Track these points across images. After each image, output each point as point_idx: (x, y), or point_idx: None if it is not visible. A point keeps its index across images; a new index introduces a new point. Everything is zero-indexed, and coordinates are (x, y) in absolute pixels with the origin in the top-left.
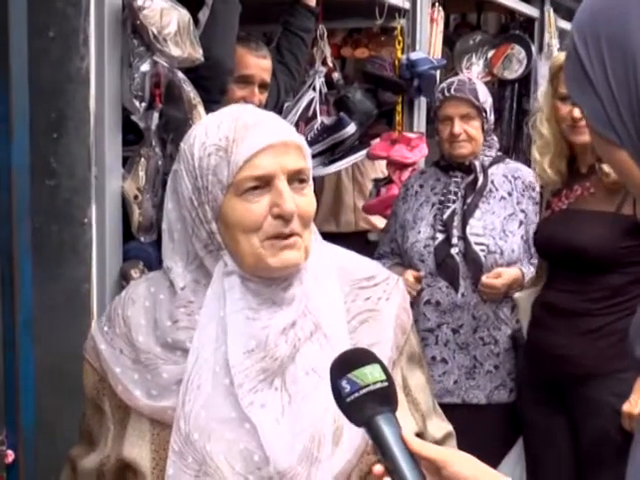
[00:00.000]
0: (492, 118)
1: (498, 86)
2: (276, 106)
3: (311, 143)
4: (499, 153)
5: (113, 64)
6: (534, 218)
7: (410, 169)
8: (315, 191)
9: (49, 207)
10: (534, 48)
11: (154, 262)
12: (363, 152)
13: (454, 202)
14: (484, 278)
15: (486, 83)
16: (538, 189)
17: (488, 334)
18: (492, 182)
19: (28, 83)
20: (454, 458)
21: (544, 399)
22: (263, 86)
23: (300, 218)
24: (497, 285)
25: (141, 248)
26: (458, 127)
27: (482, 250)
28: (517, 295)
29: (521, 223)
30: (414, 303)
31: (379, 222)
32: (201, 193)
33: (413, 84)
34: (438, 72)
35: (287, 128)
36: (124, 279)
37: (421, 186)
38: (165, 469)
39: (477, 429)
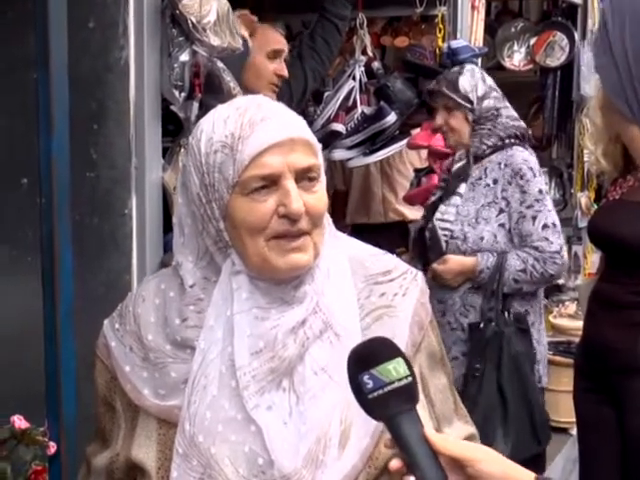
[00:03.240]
0: (487, 106)
1: (540, 74)
2: (304, 92)
3: (351, 133)
4: (512, 140)
5: (152, 54)
6: (518, 206)
7: (451, 159)
8: (345, 183)
9: (89, 199)
10: (577, 35)
11: None
12: (403, 142)
13: (440, 189)
14: (434, 264)
15: (528, 71)
16: (529, 176)
17: (455, 320)
18: (485, 170)
19: (68, 74)
20: (479, 455)
21: (595, 389)
22: (286, 61)
23: (309, 216)
24: (438, 270)
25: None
26: (439, 119)
27: (444, 235)
28: (578, 283)
29: (501, 211)
30: None
31: (410, 213)
32: (208, 190)
33: None
34: (479, 60)
35: (295, 123)
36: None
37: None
38: (170, 470)
39: None
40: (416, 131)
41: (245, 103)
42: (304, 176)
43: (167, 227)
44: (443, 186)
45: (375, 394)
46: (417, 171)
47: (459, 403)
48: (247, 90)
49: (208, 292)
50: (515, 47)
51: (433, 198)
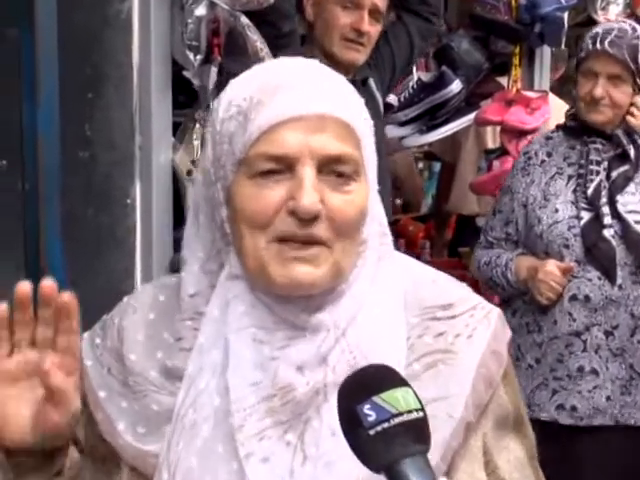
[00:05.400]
0: None
1: None
2: (411, 56)
3: (405, 105)
4: None
5: (161, 6)
6: None
7: (529, 137)
8: (448, 165)
9: (84, 185)
10: None
11: None
12: (471, 116)
13: (597, 174)
14: None
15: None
16: None
17: None
18: None
19: (57, 31)
20: None
21: None
22: (375, 14)
23: (331, 222)
24: None
25: None
26: (601, 89)
27: None
28: None
29: None
30: (557, 301)
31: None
32: (217, 166)
33: (534, 30)
34: (566, 14)
35: (335, 98)
36: (175, 274)
37: (549, 154)
38: None
39: (636, 457)
40: (487, 103)
41: (281, 63)
42: (332, 168)
43: (178, 220)
44: (596, 170)
45: (379, 428)
46: (487, 152)
47: None
48: (316, 44)
49: None
50: None
51: (591, 187)
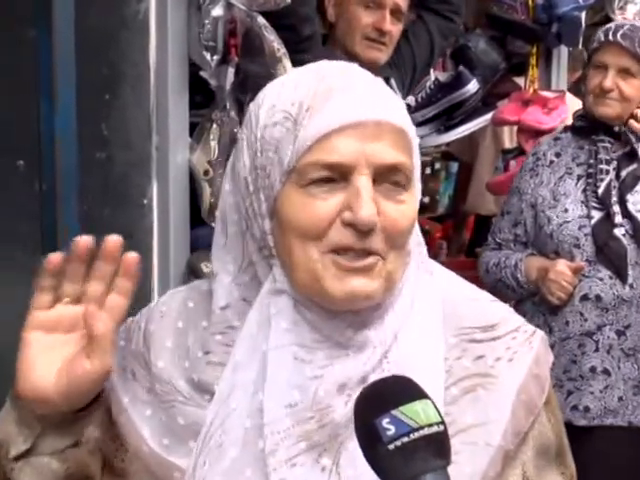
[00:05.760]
0: None
1: None
2: (431, 56)
3: (422, 105)
4: None
5: (178, 7)
6: None
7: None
8: (466, 165)
9: (101, 185)
10: None
11: None
12: (488, 116)
13: (607, 173)
14: None
15: None
16: None
17: None
18: None
19: (74, 32)
20: None
21: None
22: (397, 13)
23: (386, 234)
24: None
25: (213, 236)
26: (610, 81)
27: None
28: None
29: None
30: (568, 301)
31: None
32: (258, 175)
33: (551, 30)
34: (584, 14)
35: (389, 103)
36: (193, 274)
37: (557, 155)
38: None
39: None
40: (503, 103)
41: (327, 67)
42: (387, 178)
43: (195, 220)
44: (605, 169)
45: (398, 443)
46: (504, 152)
47: None
48: (337, 44)
49: (245, 319)
50: None
51: (602, 186)
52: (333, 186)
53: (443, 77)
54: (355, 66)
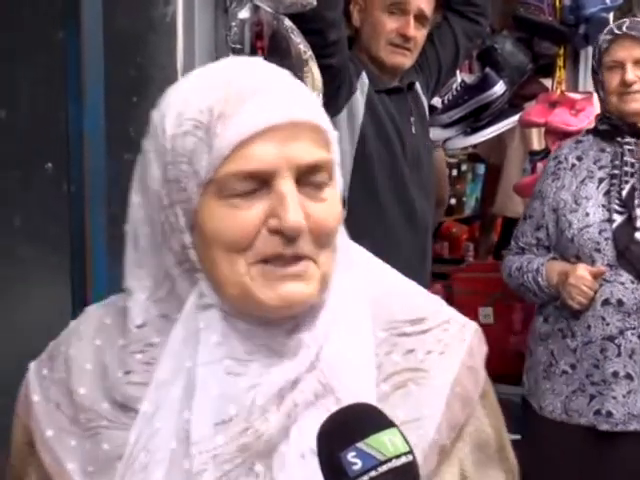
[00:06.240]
0: None
1: None
2: (456, 58)
3: (449, 107)
4: None
5: (205, 9)
6: None
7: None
8: (494, 167)
9: (128, 187)
10: None
11: None
12: (515, 117)
13: (632, 175)
14: None
15: None
16: None
17: None
18: None
19: (102, 33)
20: None
21: None
22: (421, 18)
23: (314, 235)
24: None
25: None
26: (631, 73)
27: None
28: None
29: None
30: (589, 305)
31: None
32: (172, 188)
33: (579, 31)
34: (611, 15)
35: (302, 100)
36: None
37: (579, 158)
38: None
39: None
40: (530, 104)
41: (234, 67)
42: (309, 177)
43: None
44: (630, 171)
45: (365, 478)
46: (532, 154)
47: None
48: (362, 49)
49: (166, 335)
50: None
51: (626, 189)
52: (255, 194)
53: (470, 79)
54: (261, 62)
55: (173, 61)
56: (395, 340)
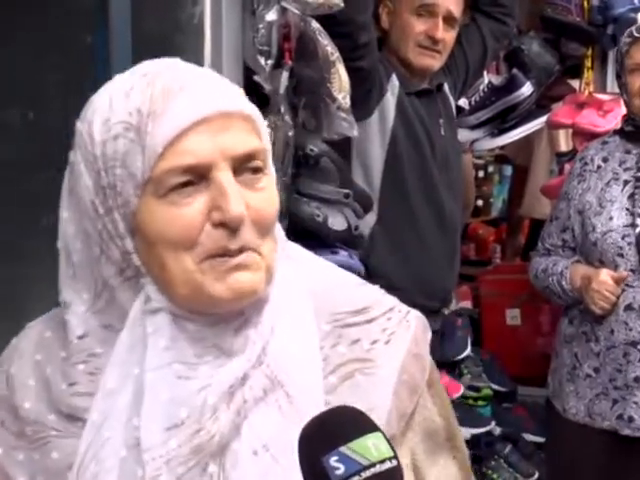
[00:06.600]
0: None
1: None
2: (484, 59)
3: (476, 108)
4: None
5: (232, 11)
6: None
7: None
8: (521, 168)
9: None
10: None
11: None
12: (542, 119)
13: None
14: None
15: None
16: None
17: None
18: None
19: (131, 35)
20: None
21: None
22: (450, 20)
23: (255, 224)
24: None
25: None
26: None
27: None
28: None
29: None
30: (612, 310)
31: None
32: (107, 195)
33: (606, 32)
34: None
35: (229, 92)
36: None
37: (605, 160)
38: None
39: None
40: (558, 105)
41: (156, 68)
42: (245, 166)
43: None
44: None
45: None
46: (559, 155)
47: None
48: (391, 51)
49: (109, 345)
50: None
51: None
52: (194, 188)
53: (497, 80)
54: (180, 61)
55: (200, 62)
56: (340, 332)
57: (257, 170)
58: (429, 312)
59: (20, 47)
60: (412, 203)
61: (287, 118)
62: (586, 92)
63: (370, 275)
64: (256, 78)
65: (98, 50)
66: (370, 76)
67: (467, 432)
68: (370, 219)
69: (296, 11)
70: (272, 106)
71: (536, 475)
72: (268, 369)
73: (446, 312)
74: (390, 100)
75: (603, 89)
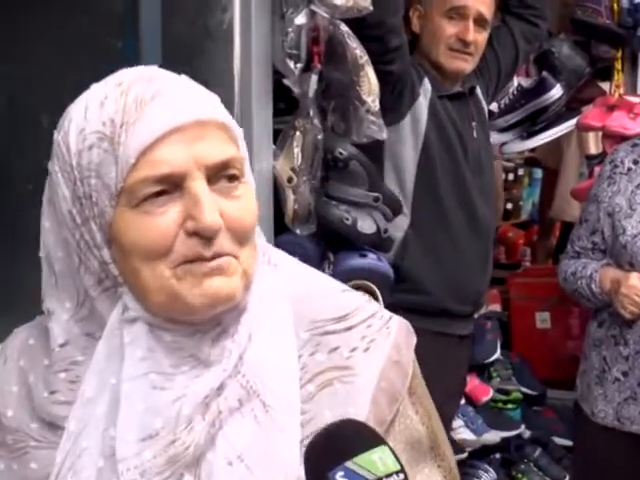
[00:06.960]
0: None
1: None
2: (516, 62)
3: (506, 111)
4: None
5: (262, 16)
6: None
7: None
8: (551, 171)
9: None
10: None
11: (313, 260)
12: (572, 121)
13: None
14: None
15: None
16: None
17: None
18: None
19: (161, 41)
20: None
21: None
22: (481, 22)
23: (232, 232)
24: None
25: (297, 242)
26: None
27: None
28: None
29: None
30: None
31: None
32: (84, 205)
33: (637, 34)
34: None
35: (203, 100)
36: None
37: (635, 162)
38: None
39: None
40: (588, 108)
41: (130, 77)
42: (220, 175)
43: (279, 227)
44: None
45: None
46: (589, 158)
47: None
48: (423, 55)
49: (90, 353)
50: None
51: None
52: (168, 198)
53: (526, 83)
54: (157, 69)
55: (230, 67)
56: (318, 340)
57: (233, 178)
58: (462, 317)
59: (51, 52)
60: (445, 207)
61: (316, 121)
62: (616, 94)
63: (401, 279)
64: (285, 82)
65: (128, 55)
66: (401, 80)
67: (497, 435)
68: (403, 223)
69: (325, 14)
70: (301, 109)
71: (566, 479)
72: (244, 379)
73: (476, 316)
74: (422, 103)
75: (633, 91)
